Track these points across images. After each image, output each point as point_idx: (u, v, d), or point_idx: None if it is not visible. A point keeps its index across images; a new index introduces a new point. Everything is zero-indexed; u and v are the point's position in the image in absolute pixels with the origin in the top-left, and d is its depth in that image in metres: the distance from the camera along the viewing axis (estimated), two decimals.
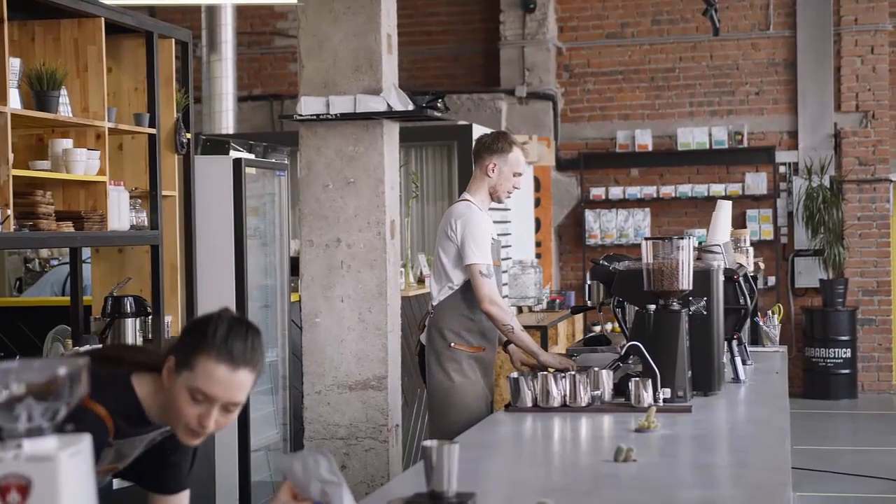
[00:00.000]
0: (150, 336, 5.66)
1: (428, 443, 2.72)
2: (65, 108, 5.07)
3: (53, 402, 1.75)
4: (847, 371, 12.40)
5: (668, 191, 12.90)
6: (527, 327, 9.37)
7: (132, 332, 5.49)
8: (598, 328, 12.42)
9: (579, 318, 11.29)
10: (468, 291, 5.25)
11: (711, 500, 2.99)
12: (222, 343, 2.56)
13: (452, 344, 5.26)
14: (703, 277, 4.58)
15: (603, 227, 13.07)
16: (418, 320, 7.70)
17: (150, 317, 5.65)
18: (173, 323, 5.90)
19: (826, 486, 8.41)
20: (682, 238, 4.45)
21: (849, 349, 12.37)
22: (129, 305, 5.49)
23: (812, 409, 11.84)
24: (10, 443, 1.73)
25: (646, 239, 4.49)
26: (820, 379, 12.41)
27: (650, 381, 4.25)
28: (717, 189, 12.71)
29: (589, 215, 13.06)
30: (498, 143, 5.38)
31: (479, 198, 5.38)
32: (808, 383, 12.48)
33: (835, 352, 12.35)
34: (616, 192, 13.01)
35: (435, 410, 5.33)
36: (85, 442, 1.79)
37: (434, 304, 5.35)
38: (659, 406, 4.18)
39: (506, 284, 10.13)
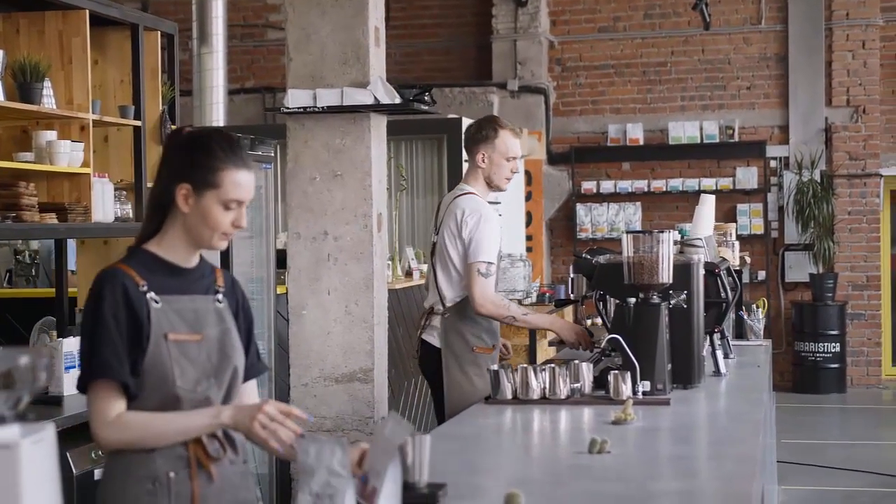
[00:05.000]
0: None
1: None
2: (48, 100, 5.08)
3: (15, 390, 1.77)
4: (836, 365, 12.43)
5: (659, 185, 12.93)
6: None
7: None
8: (589, 321, 12.45)
9: (569, 311, 11.31)
10: None
11: (680, 491, 3.01)
12: (233, 154, 2.87)
13: (475, 348, 5.16)
14: (683, 271, 4.59)
15: (594, 220, 13.09)
16: (405, 313, 7.72)
17: None
18: None
19: (813, 479, 8.44)
20: (663, 232, 4.46)
21: (838, 343, 12.41)
22: None
23: (801, 403, 11.88)
24: None
25: (626, 232, 4.50)
26: (809, 373, 12.44)
27: (629, 373, 4.27)
28: (708, 183, 12.73)
29: (580, 209, 13.08)
30: (482, 130, 5.26)
31: (479, 189, 5.27)
32: (798, 377, 12.52)
33: (824, 346, 12.38)
34: (607, 186, 13.03)
35: (455, 413, 5.18)
36: (48, 430, 1.81)
37: (447, 304, 5.21)
38: (637, 399, 4.20)
39: None
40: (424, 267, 8.38)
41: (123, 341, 2.80)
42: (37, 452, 1.77)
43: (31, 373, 1.76)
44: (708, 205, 5.62)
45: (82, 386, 2.85)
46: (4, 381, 1.75)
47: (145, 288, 2.85)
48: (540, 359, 8.86)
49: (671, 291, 4.53)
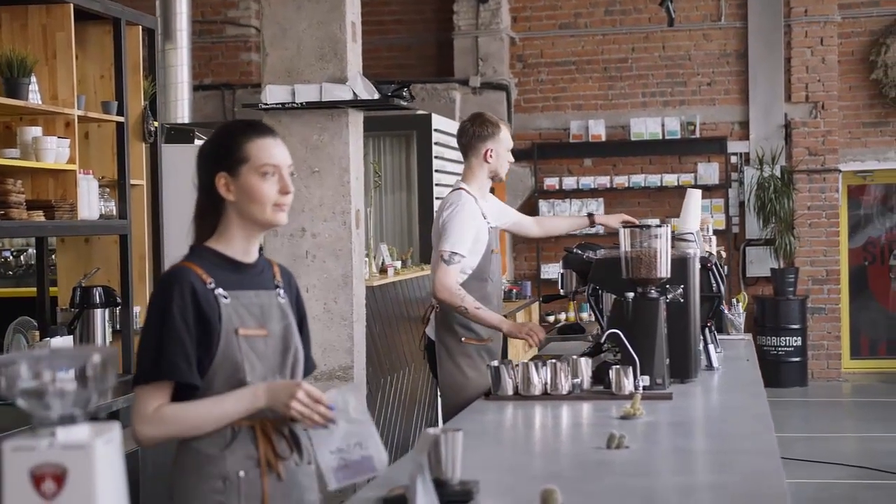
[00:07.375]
0: (118, 327, 5.59)
1: (432, 430, 2.72)
2: (34, 96, 5.00)
3: (87, 390, 1.73)
4: (798, 359, 12.55)
5: (621, 181, 12.97)
6: None
7: (101, 322, 5.42)
8: (551, 318, 12.48)
9: (535, 307, 11.33)
10: (472, 283, 5.17)
11: (709, 485, 3.01)
12: (251, 128, 2.91)
13: (463, 339, 5.20)
14: (680, 265, 4.59)
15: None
16: (381, 310, 7.68)
17: (118, 307, 5.58)
18: (142, 313, 5.83)
19: (786, 472, 8.49)
20: (661, 226, 4.46)
21: (799, 337, 12.52)
22: (97, 296, 5.42)
23: None
24: (43, 431, 1.71)
25: (624, 227, 4.50)
26: (771, 367, 12.51)
27: (630, 368, 4.26)
28: (670, 179, 12.80)
29: (543, 205, 13.09)
30: (487, 128, 5.35)
31: (476, 186, 5.32)
32: (760, 371, 12.59)
33: (786, 340, 12.49)
34: (570, 182, 13.06)
35: (450, 406, 5.21)
36: (115, 430, 1.77)
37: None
38: (640, 393, 4.19)
39: None
40: (399, 264, 8.35)
41: (192, 342, 2.77)
42: (108, 452, 1.73)
43: (103, 371, 1.72)
44: (695, 199, 5.63)
45: (141, 383, 2.82)
46: (77, 380, 1.71)
47: (212, 284, 2.84)
48: (510, 356, 8.85)
49: (668, 286, 4.53)
